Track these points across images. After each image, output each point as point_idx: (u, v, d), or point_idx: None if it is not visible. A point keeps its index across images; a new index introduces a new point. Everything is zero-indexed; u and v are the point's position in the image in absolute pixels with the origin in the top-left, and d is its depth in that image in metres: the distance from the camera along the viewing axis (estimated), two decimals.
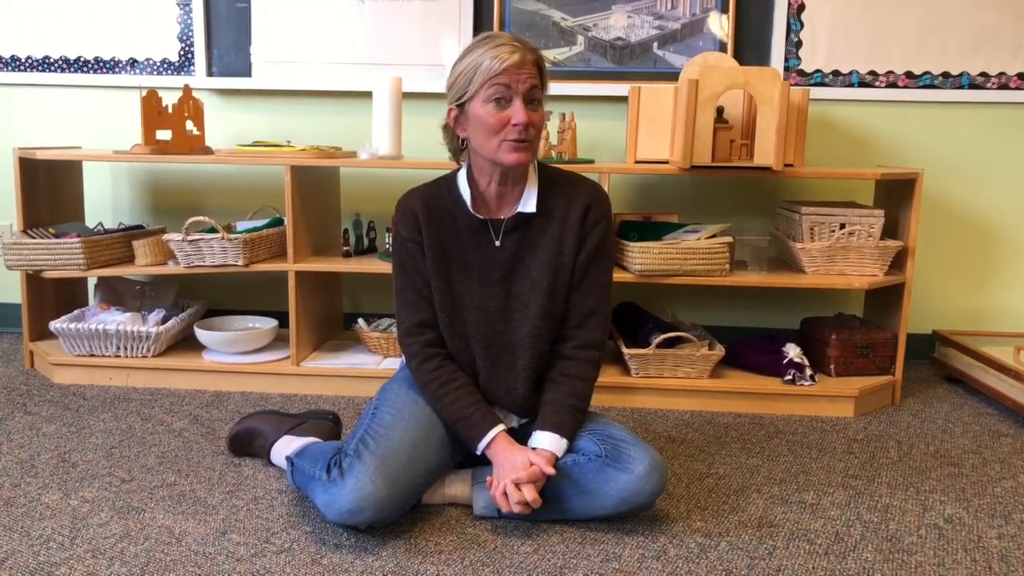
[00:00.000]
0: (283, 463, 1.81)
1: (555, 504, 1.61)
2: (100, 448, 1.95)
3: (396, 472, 1.54)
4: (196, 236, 2.33)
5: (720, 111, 2.33)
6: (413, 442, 1.60)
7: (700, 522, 1.65)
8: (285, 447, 1.83)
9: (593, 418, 1.69)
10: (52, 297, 2.62)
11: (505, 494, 1.54)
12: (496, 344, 1.66)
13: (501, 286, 1.65)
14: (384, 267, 2.38)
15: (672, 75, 2.67)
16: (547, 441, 1.60)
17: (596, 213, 1.64)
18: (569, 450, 1.62)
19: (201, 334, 2.45)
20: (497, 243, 1.64)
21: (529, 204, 1.63)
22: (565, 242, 1.63)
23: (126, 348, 2.42)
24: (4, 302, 2.97)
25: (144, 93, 2.34)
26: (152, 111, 2.37)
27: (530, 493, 1.53)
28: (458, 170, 1.70)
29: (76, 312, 2.51)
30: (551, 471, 1.55)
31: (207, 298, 2.79)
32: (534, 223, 1.64)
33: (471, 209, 1.63)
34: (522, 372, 1.66)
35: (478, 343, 1.65)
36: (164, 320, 2.48)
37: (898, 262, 2.39)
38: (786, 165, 2.31)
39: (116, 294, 2.63)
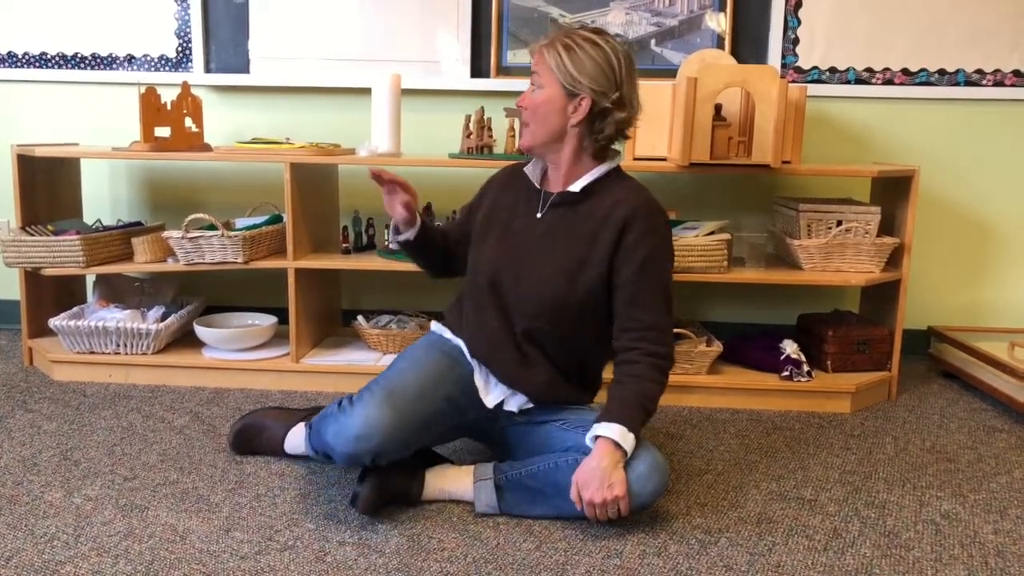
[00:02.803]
0: (299, 448, 1.86)
1: (556, 501, 1.62)
2: (102, 446, 1.96)
3: (403, 404, 1.61)
4: (196, 233, 2.33)
5: (718, 108, 2.34)
6: (421, 385, 1.67)
7: (700, 518, 1.67)
8: (300, 433, 1.87)
9: (596, 414, 1.70)
10: (51, 294, 2.62)
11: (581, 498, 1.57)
12: (502, 299, 1.69)
13: (526, 252, 1.69)
14: (383, 264, 2.39)
15: (670, 72, 2.67)
16: (616, 432, 1.55)
17: (641, 225, 1.62)
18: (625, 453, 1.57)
19: (201, 331, 2.45)
20: (539, 215, 1.70)
21: (577, 185, 1.67)
22: (600, 238, 1.64)
23: (126, 345, 2.42)
24: (2, 298, 2.97)
25: (143, 90, 2.34)
26: (151, 108, 2.37)
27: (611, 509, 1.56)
28: None
29: (75, 309, 2.51)
30: (624, 510, 1.55)
31: (206, 294, 2.80)
32: (579, 207, 1.67)
33: (534, 180, 1.73)
34: (524, 342, 1.68)
35: (488, 290, 1.70)
36: (164, 317, 2.48)
37: (894, 259, 2.40)
38: (783, 162, 2.32)
39: (115, 291, 2.64)
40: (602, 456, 1.55)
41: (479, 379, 1.75)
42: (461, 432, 1.80)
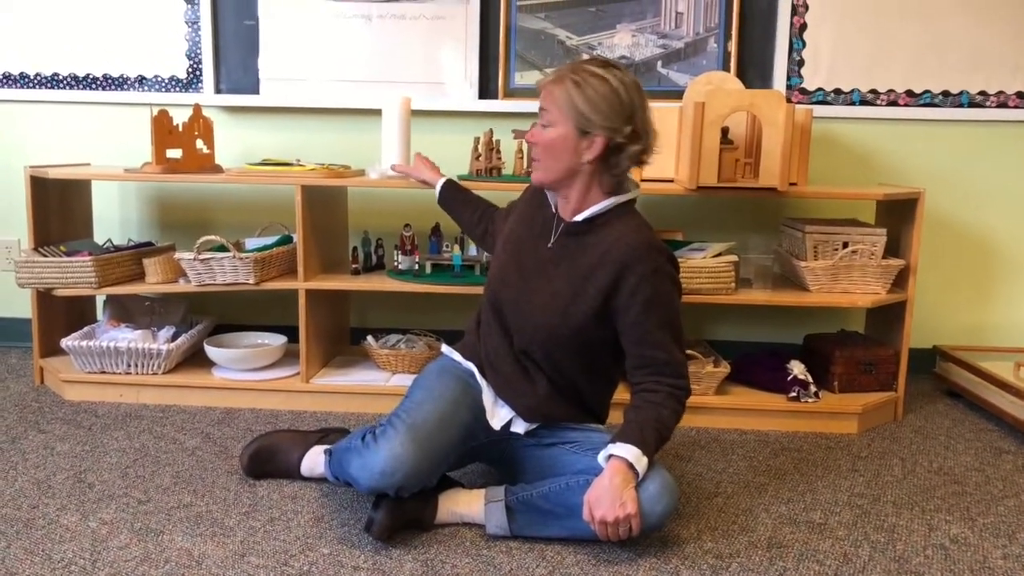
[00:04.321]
0: (315, 468, 1.88)
1: (567, 522, 1.64)
2: (115, 467, 1.97)
3: (425, 438, 1.63)
4: (207, 255, 2.35)
5: (725, 131, 2.36)
6: (441, 415, 1.69)
7: (711, 543, 1.68)
8: (316, 456, 1.89)
9: (608, 439, 1.72)
10: (62, 313, 2.63)
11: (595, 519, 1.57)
12: (503, 317, 1.75)
13: (530, 277, 1.72)
14: (393, 284, 2.41)
15: (676, 93, 2.70)
16: (630, 453, 1.56)
17: (641, 267, 1.61)
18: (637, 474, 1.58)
19: (211, 351, 2.47)
20: (549, 244, 1.73)
21: (580, 215, 1.69)
22: (596, 276, 1.65)
23: (137, 365, 2.44)
24: (12, 317, 2.99)
25: (155, 112, 2.36)
26: (163, 130, 2.39)
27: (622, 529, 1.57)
28: None
29: (86, 329, 2.52)
30: (636, 530, 1.56)
31: (215, 313, 2.81)
32: (584, 239, 1.69)
33: (552, 205, 1.77)
34: (517, 354, 1.74)
35: (492, 307, 1.77)
36: (174, 337, 2.50)
37: (900, 280, 2.42)
38: (790, 184, 2.34)
39: (125, 310, 2.65)
40: (614, 475, 1.56)
41: (487, 399, 1.77)
42: (474, 456, 1.81)
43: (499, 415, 1.76)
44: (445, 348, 1.91)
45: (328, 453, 1.80)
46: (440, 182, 2.18)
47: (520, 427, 1.75)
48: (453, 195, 2.16)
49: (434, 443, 1.65)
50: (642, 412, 1.63)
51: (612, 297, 1.64)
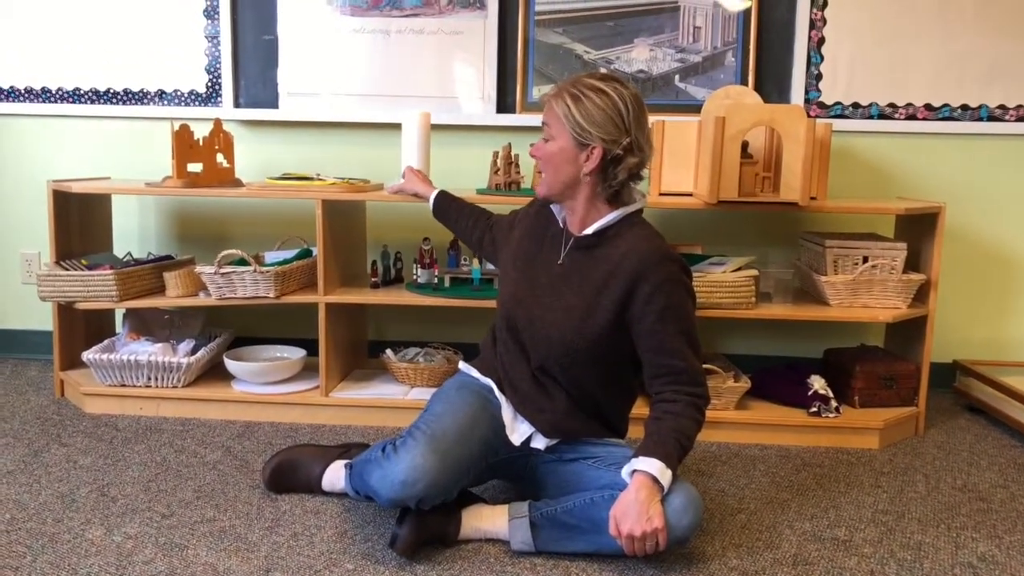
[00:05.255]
0: (336, 483, 1.88)
1: (593, 537, 1.63)
2: (138, 481, 1.97)
3: (445, 449, 1.64)
4: (228, 268, 2.36)
5: (744, 145, 2.36)
6: (461, 427, 1.70)
7: (736, 560, 1.67)
8: (338, 470, 1.89)
9: (631, 453, 1.71)
10: (81, 326, 2.65)
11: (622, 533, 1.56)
12: (518, 334, 1.75)
13: (543, 293, 1.73)
14: (411, 298, 2.41)
15: (694, 107, 2.70)
16: (654, 467, 1.55)
17: (656, 277, 1.62)
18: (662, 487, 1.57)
19: (231, 365, 2.47)
20: (560, 260, 1.73)
21: (590, 228, 1.70)
22: (609, 288, 1.66)
23: (157, 378, 2.44)
24: (31, 329, 3.00)
25: (176, 127, 2.38)
26: (184, 145, 2.41)
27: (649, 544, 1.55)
28: None
29: (106, 342, 2.54)
30: (663, 544, 1.55)
31: (234, 326, 2.82)
32: (594, 252, 1.70)
33: (559, 220, 1.78)
34: (535, 371, 1.73)
35: (506, 324, 1.78)
36: (194, 350, 2.51)
37: (920, 294, 2.41)
38: (810, 198, 2.34)
39: (144, 323, 2.66)
40: (639, 489, 1.55)
41: (507, 415, 1.77)
42: (494, 472, 1.81)
43: (519, 431, 1.76)
44: (463, 365, 1.91)
45: (348, 467, 1.81)
46: (433, 194, 2.18)
47: (540, 443, 1.75)
48: (447, 205, 2.16)
49: (455, 455, 1.65)
50: (663, 424, 1.63)
51: (627, 307, 1.65)
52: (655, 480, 1.56)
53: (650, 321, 1.64)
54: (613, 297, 1.65)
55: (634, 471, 1.58)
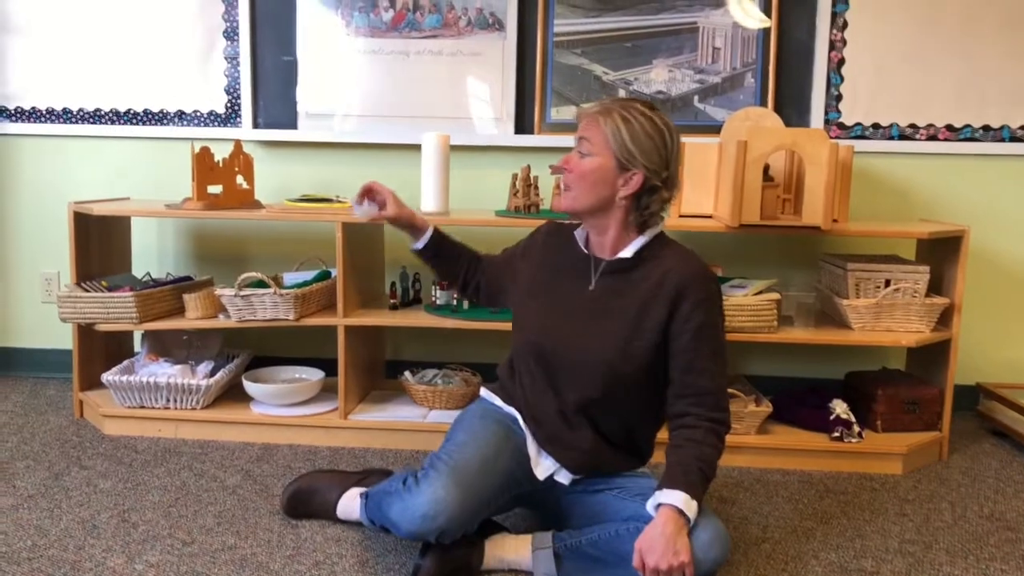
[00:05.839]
0: (351, 513, 1.86)
1: (617, 570, 1.61)
2: (158, 506, 1.97)
3: (468, 481, 1.61)
4: (248, 291, 2.36)
5: (765, 168, 2.35)
6: (484, 458, 1.67)
7: None
8: (353, 499, 1.87)
9: (656, 485, 1.70)
10: (101, 346, 2.65)
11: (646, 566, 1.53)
12: (550, 366, 1.70)
13: (578, 322, 1.69)
14: (430, 320, 2.41)
15: (712, 128, 2.69)
16: (680, 500, 1.53)
17: (696, 294, 1.62)
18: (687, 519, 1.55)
19: (250, 387, 2.47)
20: (591, 286, 1.70)
21: (628, 250, 1.68)
22: (653, 308, 1.63)
23: (176, 400, 2.44)
24: (48, 347, 3.01)
25: (197, 150, 2.38)
26: (205, 167, 2.41)
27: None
28: None
29: (125, 363, 2.54)
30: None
31: (251, 346, 2.82)
32: (630, 275, 1.68)
33: (582, 245, 1.74)
34: (569, 407, 1.68)
35: (534, 357, 1.71)
36: (213, 371, 2.51)
37: (944, 318, 2.39)
38: (832, 221, 2.32)
39: (163, 344, 2.66)
40: (666, 523, 1.53)
41: (531, 448, 1.74)
42: (517, 502, 1.79)
43: (543, 465, 1.73)
44: (484, 392, 1.88)
45: (364, 497, 1.78)
46: (429, 230, 1.88)
47: (564, 478, 1.73)
48: (442, 243, 1.91)
49: (477, 488, 1.63)
50: (684, 452, 1.61)
51: (668, 326, 1.63)
52: (681, 513, 1.54)
53: (686, 339, 1.63)
54: (657, 317, 1.63)
55: (659, 504, 1.56)
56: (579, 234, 1.77)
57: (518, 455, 1.72)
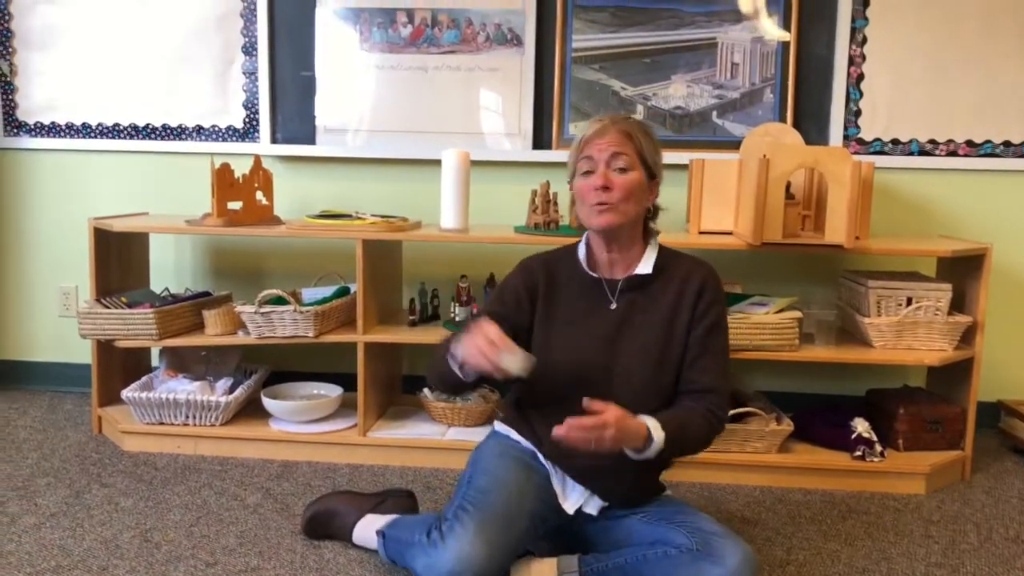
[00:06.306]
0: (368, 542, 1.84)
1: None
2: (180, 526, 1.97)
3: (494, 535, 1.59)
4: (268, 308, 2.36)
5: (787, 186, 2.34)
6: (508, 506, 1.64)
7: None
8: (368, 525, 1.86)
9: (682, 509, 1.69)
10: (119, 362, 2.65)
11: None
12: (588, 391, 1.58)
13: (607, 344, 1.68)
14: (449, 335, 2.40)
15: (731, 143, 2.69)
16: (653, 423, 1.53)
17: (711, 294, 1.69)
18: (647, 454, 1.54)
19: (269, 404, 2.47)
20: (612, 306, 1.70)
21: (645, 267, 1.70)
22: (680, 314, 1.67)
23: (195, 417, 2.44)
24: (66, 361, 3.02)
25: (217, 166, 2.39)
26: (224, 183, 2.42)
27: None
28: (579, 241, 1.78)
29: (144, 379, 2.54)
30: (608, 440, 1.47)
31: (269, 362, 2.82)
32: (650, 289, 1.70)
33: (586, 268, 1.73)
34: None
35: (569, 398, 1.57)
36: (232, 388, 2.51)
37: (966, 336, 2.37)
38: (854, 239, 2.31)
39: (181, 360, 2.66)
40: (627, 416, 1.50)
41: (556, 483, 1.72)
42: (541, 537, 1.76)
43: (571, 499, 1.71)
44: (498, 426, 1.83)
45: (381, 536, 1.77)
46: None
47: (593, 508, 1.71)
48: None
49: (503, 539, 1.59)
50: (677, 410, 1.63)
51: (690, 325, 1.68)
52: (647, 432, 1.52)
53: (698, 335, 1.67)
54: (684, 319, 1.68)
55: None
56: (583, 259, 1.74)
57: (542, 493, 1.70)
